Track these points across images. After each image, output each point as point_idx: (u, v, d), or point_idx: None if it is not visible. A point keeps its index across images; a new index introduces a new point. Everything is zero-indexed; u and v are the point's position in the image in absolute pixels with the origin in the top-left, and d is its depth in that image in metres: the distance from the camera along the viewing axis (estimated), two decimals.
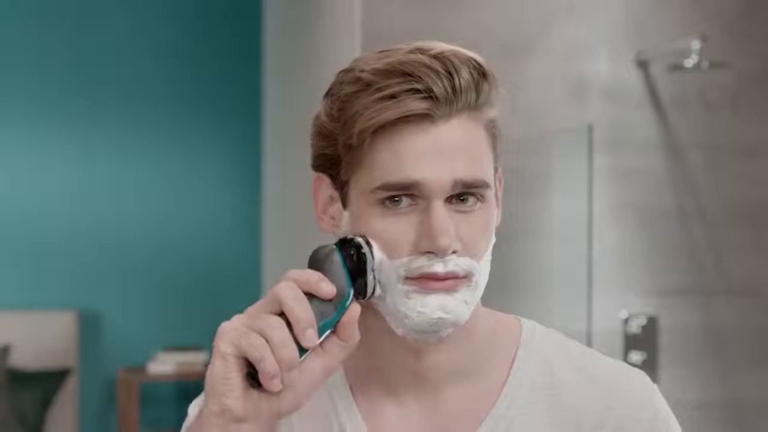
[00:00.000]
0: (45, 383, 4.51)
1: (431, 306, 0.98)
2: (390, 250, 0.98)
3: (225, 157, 4.98)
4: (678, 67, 3.04)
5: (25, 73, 4.74)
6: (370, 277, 0.99)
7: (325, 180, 1.04)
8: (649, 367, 3.06)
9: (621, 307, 3.09)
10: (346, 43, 3.14)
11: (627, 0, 3.12)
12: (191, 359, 4.70)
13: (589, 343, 2.92)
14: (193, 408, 1.11)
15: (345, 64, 1.04)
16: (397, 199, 0.98)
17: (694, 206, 3.17)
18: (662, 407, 1.07)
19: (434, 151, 0.97)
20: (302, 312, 0.94)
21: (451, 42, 1.02)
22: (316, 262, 0.99)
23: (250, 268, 4.88)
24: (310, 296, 0.96)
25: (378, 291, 1.00)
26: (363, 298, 0.99)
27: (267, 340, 0.93)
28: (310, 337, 0.94)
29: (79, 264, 4.77)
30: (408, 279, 0.98)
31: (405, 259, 0.98)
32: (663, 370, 3.10)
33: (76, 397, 4.65)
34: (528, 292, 3.06)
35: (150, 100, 4.88)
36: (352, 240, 0.99)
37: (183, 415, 1.14)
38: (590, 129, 2.95)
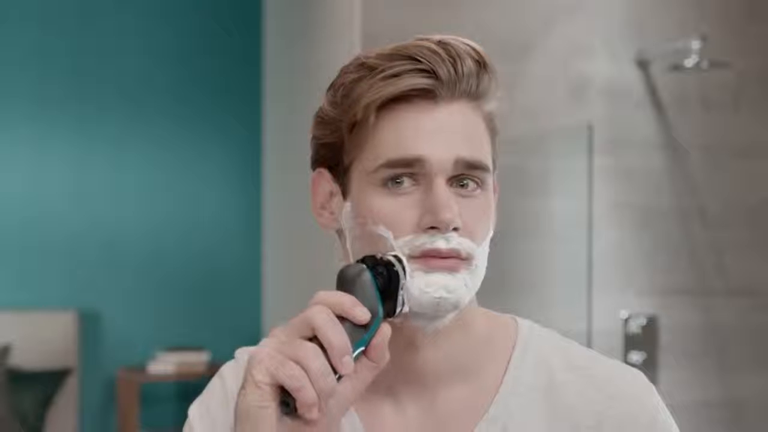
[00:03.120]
0: (45, 383, 4.50)
1: (434, 285, 0.98)
2: (392, 229, 0.99)
3: (225, 158, 4.97)
4: (678, 67, 3.04)
5: (25, 74, 4.74)
6: (400, 296, 0.97)
7: (325, 174, 1.05)
8: (649, 367, 3.06)
9: (621, 306, 3.09)
10: (346, 43, 3.15)
11: (627, 0, 3.12)
12: (191, 359, 4.69)
13: (589, 343, 2.92)
14: (193, 409, 1.11)
15: (345, 64, 1.05)
16: (399, 180, 0.99)
17: (694, 206, 3.17)
18: (660, 407, 1.07)
19: (437, 129, 0.99)
20: (339, 339, 0.91)
21: None
22: (345, 282, 0.95)
23: (250, 268, 4.88)
24: (342, 318, 0.93)
25: (407, 308, 0.98)
26: (393, 317, 0.97)
27: (305, 369, 0.90)
28: (347, 364, 0.92)
29: (79, 264, 4.77)
30: (411, 258, 0.98)
31: (408, 238, 0.98)
32: (663, 370, 3.10)
33: (76, 397, 4.64)
34: (528, 292, 3.06)
35: (150, 100, 4.88)
36: (382, 258, 0.97)
37: (183, 415, 1.14)
38: (590, 129, 2.96)
